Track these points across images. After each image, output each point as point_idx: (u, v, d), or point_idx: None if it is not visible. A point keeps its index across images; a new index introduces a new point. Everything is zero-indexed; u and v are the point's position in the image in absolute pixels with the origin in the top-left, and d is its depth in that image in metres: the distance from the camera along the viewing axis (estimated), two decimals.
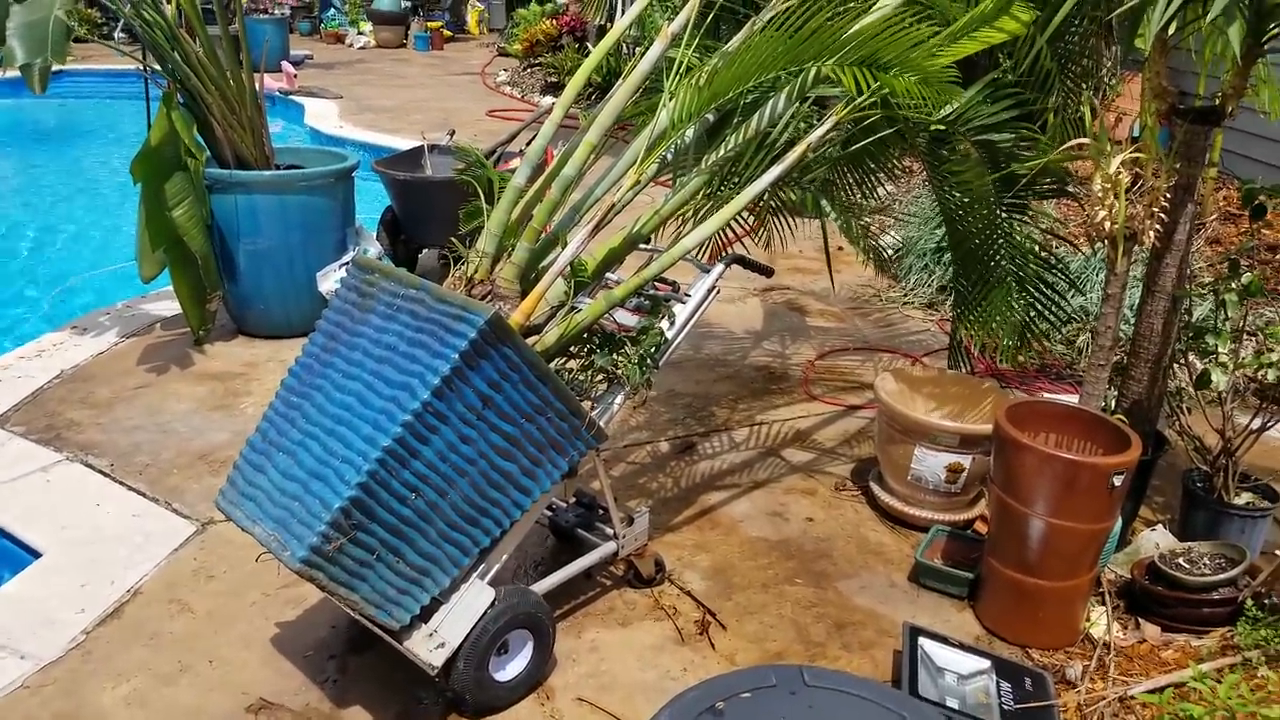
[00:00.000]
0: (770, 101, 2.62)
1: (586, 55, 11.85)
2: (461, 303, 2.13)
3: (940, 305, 5.28)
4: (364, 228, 4.91)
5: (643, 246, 2.77)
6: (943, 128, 2.96)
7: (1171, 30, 2.78)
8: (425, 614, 2.21)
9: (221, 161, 4.44)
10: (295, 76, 11.56)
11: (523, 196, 2.56)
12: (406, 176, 5.25)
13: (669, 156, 2.66)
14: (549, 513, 2.93)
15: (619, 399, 2.54)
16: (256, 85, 4.50)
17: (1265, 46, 2.74)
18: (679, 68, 2.53)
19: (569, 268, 2.39)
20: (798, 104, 2.64)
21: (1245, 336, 3.05)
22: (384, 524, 2.07)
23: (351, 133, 9.23)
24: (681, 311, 2.71)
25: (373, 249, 4.79)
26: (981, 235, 3.25)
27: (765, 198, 3.51)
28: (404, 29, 16.84)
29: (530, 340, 2.35)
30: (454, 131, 6.26)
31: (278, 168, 4.59)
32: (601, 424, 2.43)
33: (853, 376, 4.45)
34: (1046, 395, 4.20)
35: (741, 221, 3.66)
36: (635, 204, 2.54)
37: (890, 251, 5.90)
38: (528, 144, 5.65)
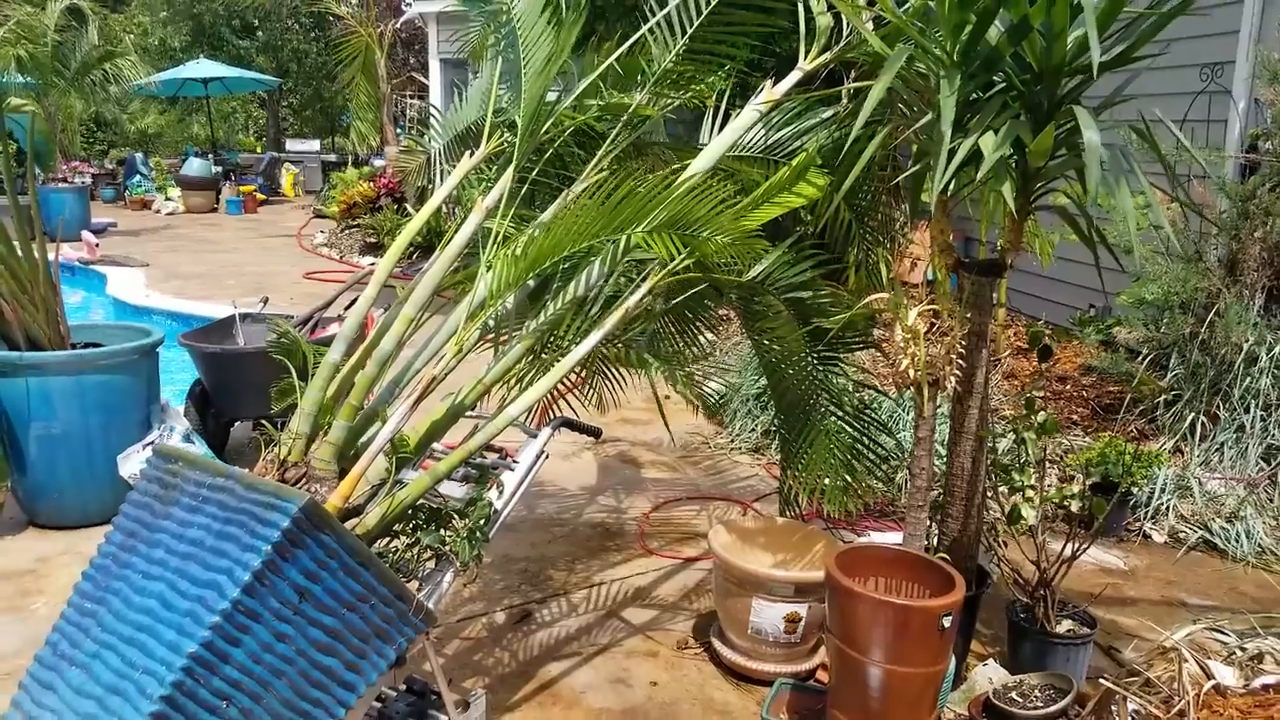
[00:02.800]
0: (587, 268, 2.66)
1: (405, 215, 11.93)
2: (273, 489, 2.01)
3: (765, 449, 5.40)
4: (170, 404, 4.65)
5: (468, 414, 2.72)
6: (751, 289, 3.08)
7: (950, 191, 3.05)
8: None
9: (11, 343, 4.15)
10: (97, 246, 11.10)
11: (339, 372, 2.48)
12: (216, 349, 5.03)
13: (490, 323, 2.65)
14: (378, 704, 2.72)
15: (448, 577, 2.43)
16: (50, 260, 4.26)
17: (1033, 204, 3.02)
18: (496, 238, 2.55)
19: (390, 444, 2.31)
20: (615, 266, 2.70)
21: (1049, 465, 3.24)
22: None
23: (159, 302, 8.86)
24: (510, 479, 2.65)
25: (179, 426, 4.53)
26: (799, 385, 3.37)
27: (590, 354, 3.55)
28: (215, 193, 16.58)
29: (350, 523, 2.24)
30: (267, 299, 6.09)
31: (74, 346, 4.32)
32: (430, 605, 2.31)
33: (688, 527, 4.46)
34: (872, 533, 4.31)
35: (569, 378, 3.67)
36: (458, 369, 2.50)
37: (715, 398, 6.05)
38: (347, 308, 5.58)
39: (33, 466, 4.14)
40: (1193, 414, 5.11)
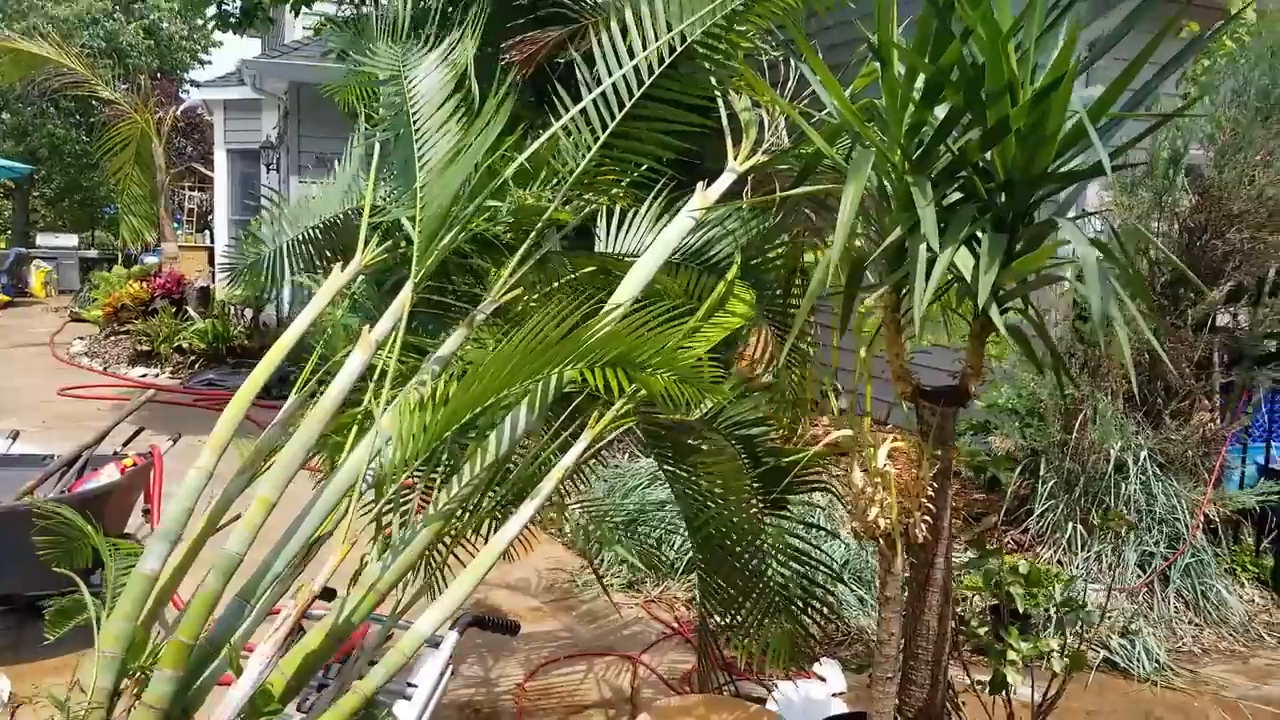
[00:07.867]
0: (510, 415, 2.02)
1: (186, 319, 10.68)
2: None
3: (640, 585, 4.81)
4: None
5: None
6: (691, 429, 2.53)
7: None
8: None
9: None
10: None
11: (156, 585, 1.70)
12: None
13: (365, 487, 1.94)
14: None
15: None
16: None
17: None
18: (386, 378, 1.87)
19: (250, 703, 1.55)
20: (544, 410, 2.07)
21: None
22: None
23: None
24: (408, 711, 1.93)
25: None
26: (738, 529, 2.82)
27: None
28: None
29: None
30: (18, 433, 4.94)
31: None
32: None
33: (576, 696, 3.74)
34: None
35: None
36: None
37: (580, 527, 5.42)
38: (126, 443, 4.55)
39: None
40: (1071, 524, 4.96)
